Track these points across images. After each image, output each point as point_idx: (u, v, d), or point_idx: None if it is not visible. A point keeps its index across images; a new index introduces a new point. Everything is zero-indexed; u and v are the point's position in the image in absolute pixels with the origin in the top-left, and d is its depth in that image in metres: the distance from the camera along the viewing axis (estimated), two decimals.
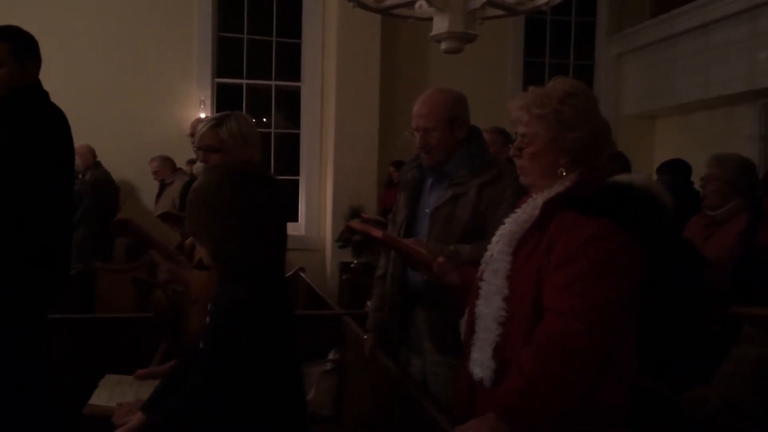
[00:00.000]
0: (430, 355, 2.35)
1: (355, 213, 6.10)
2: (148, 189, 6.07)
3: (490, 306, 1.62)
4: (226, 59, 6.68)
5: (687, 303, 2.30)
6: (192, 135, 4.78)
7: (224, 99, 6.63)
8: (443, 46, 3.35)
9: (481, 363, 1.61)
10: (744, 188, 3.08)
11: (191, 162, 5.57)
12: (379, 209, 6.10)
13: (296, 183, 6.77)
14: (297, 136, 6.80)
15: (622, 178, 2.43)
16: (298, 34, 6.69)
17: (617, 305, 1.49)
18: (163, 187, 5.79)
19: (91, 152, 5.83)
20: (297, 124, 6.81)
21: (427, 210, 2.40)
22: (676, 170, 2.79)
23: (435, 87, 2.51)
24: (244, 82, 6.73)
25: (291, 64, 6.77)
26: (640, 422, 1.87)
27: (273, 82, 6.81)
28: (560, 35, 7.01)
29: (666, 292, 2.22)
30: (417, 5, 3.46)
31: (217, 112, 5.85)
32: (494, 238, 1.73)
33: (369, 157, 6.29)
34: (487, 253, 1.73)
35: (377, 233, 2.08)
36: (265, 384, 1.56)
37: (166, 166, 5.83)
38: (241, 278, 1.55)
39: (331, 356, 3.08)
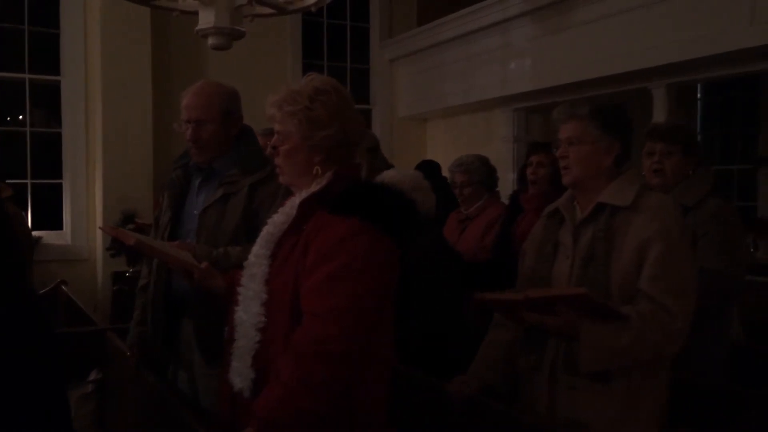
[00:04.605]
0: (198, 368, 2.24)
1: (129, 218, 5.67)
2: None
3: (248, 312, 1.57)
4: None
5: (442, 293, 2.46)
6: None
7: None
8: (210, 41, 3.24)
9: (240, 372, 1.56)
10: (491, 185, 3.42)
11: None
12: (156, 213, 5.73)
13: (59, 187, 6.12)
14: (58, 136, 6.15)
15: (383, 175, 2.54)
16: (55, 22, 6.05)
17: (371, 304, 1.51)
18: None
19: None
20: (58, 121, 6.15)
21: (195, 212, 2.28)
22: (428, 171, 3.02)
23: (207, 79, 2.39)
24: None
25: (48, 56, 6.09)
26: (403, 409, 1.95)
27: (27, 75, 6.08)
28: (337, 39, 7.18)
29: (421, 284, 2.35)
30: None
31: None
32: (257, 240, 1.68)
33: (142, 158, 5.88)
34: (249, 256, 1.68)
35: (130, 239, 1.92)
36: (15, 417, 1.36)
37: None
38: None
39: (92, 377, 2.81)
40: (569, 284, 1.89)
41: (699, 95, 6.98)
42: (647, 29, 4.40)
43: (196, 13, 3.27)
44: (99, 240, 5.89)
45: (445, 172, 4.28)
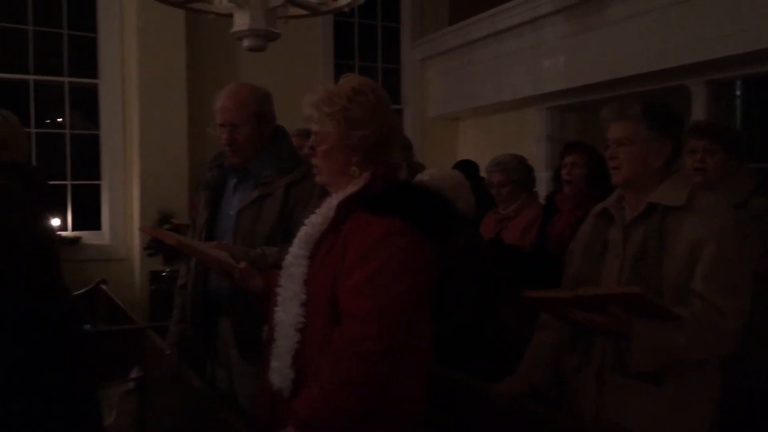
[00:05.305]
0: (236, 366, 2.27)
1: (165, 218, 5.76)
2: None
3: (287, 312, 1.59)
4: (7, 52, 5.98)
5: (477, 293, 2.44)
6: None
7: (7, 96, 5.93)
8: (245, 43, 3.27)
9: (280, 372, 1.57)
10: (529, 184, 3.38)
11: None
12: (193, 214, 5.80)
13: (98, 188, 6.25)
14: (96, 137, 6.28)
15: (423, 174, 2.54)
16: (92, 27, 6.18)
17: (410, 304, 1.51)
18: None
19: None
20: (96, 123, 6.29)
21: (231, 212, 2.32)
22: (465, 171, 2.99)
23: (239, 82, 2.42)
24: (31, 78, 6.08)
25: (86, 60, 6.23)
26: (443, 411, 1.94)
27: (66, 79, 6.22)
28: (368, 39, 7.19)
29: (457, 284, 2.33)
30: (217, 0, 3.35)
31: None
32: (295, 241, 1.69)
33: (178, 159, 5.97)
34: (287, 257, 1.69)
35: (170, 240, 1.95)
36: (42, 415, 1.38)
37: None
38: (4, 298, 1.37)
39: (133, 374, 2.87)
40: (619, 283, 1.87)
41: (738, 92, 6.81)
42: (685, 25, 4.32)
43: (230, 16, 3.31)
44: (136, 240, 6.00)
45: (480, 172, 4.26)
